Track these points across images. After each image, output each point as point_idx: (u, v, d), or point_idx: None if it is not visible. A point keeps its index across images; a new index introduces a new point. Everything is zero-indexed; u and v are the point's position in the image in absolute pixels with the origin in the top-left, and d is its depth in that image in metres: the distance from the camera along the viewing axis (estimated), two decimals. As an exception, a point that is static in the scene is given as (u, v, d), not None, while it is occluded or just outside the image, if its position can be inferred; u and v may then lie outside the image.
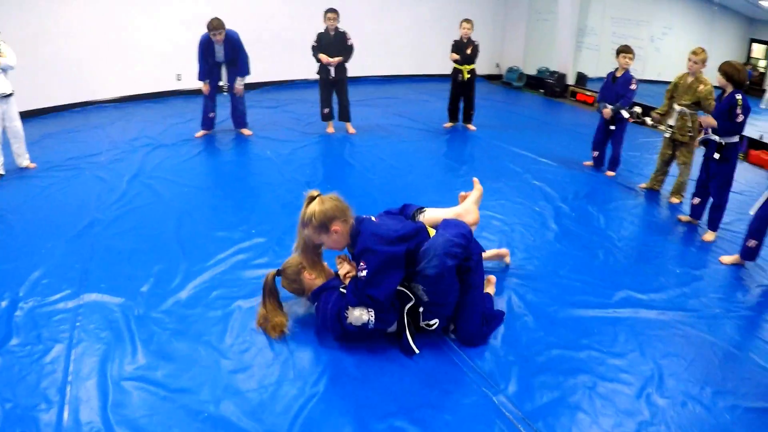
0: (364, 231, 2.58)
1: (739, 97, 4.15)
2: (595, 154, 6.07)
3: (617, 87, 5.70)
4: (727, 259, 4.02)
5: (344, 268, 2.78)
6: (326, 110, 6.58)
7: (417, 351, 2.68)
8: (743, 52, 13.32)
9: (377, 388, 2.47)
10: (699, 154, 4.74)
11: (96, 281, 3.18)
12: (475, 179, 3.12)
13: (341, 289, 2.69)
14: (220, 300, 3.08)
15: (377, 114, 7.60)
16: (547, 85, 10.74)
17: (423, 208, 2.95)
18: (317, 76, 6.42)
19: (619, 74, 5.69)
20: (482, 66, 10.85)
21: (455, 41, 7.16)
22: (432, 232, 2.71)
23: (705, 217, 4.49)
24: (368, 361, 2.63)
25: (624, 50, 5.65)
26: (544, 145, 6.68)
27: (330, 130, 6.61)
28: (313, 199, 2.61)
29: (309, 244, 2.70)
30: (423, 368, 2.62)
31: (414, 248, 2.56)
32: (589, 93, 10.47)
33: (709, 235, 4.41)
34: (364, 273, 2.49)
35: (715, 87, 4.62)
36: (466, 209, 2.94)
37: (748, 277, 3.76)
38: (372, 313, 2.54)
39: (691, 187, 4.85)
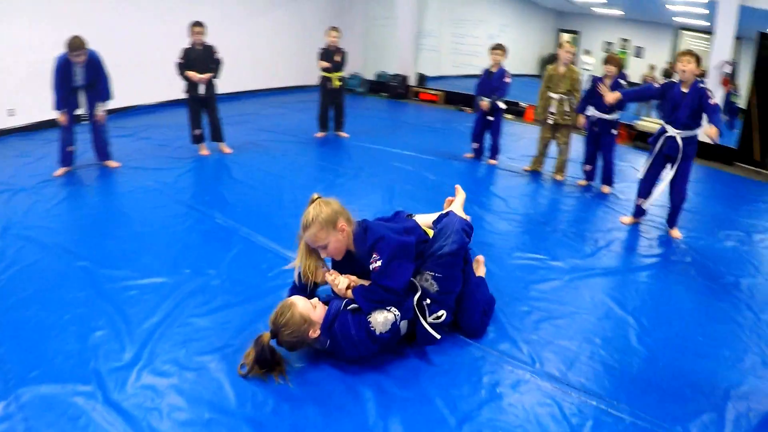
0: (372, 226, 2.60)
1: (622, 81, 5.01)
2: (475, 145, 6.50)
3: (492, 81, 6.11)
4: (626, 219, 4.80)
5: (342, 282, 2.61)
6: (197, 131, 5.99)
7: (438, 336, 2.67)
8: (554, 41, 15.27)
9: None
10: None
11: (24, 370, 2.43)
12: (457, 186, 3.26)
13: (349, 308, 2.52)
14: (192, 357, 2.61)
15: (245, 131, 7.21)
16: (390, 88, 11.08)
17: (411, 214, 3.05)
18: (172, 96, 5.90)
19: (494, 69, 6.11)
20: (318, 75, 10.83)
21: (323, 49, 7.03)
22: (429, 231, 2.81)
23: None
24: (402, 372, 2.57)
25: (495, 48, 6.12)
26: (418, 143, 7.07)
27: (204, 152, 6.02)
28: (314, 201, 2.59)
29: (309, 251, 2.63)
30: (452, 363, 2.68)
31: (417, 242, 2.66)
32: (432, 92, 11.01)
33: (606, 189, 5.66)
34: (378, 264, 2.47)
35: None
36: (455, 212, 2.97)
37: (645, 230, 4.77)
38: (394, 309, 2.49)
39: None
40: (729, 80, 7.46)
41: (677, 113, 4.33)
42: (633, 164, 6.93)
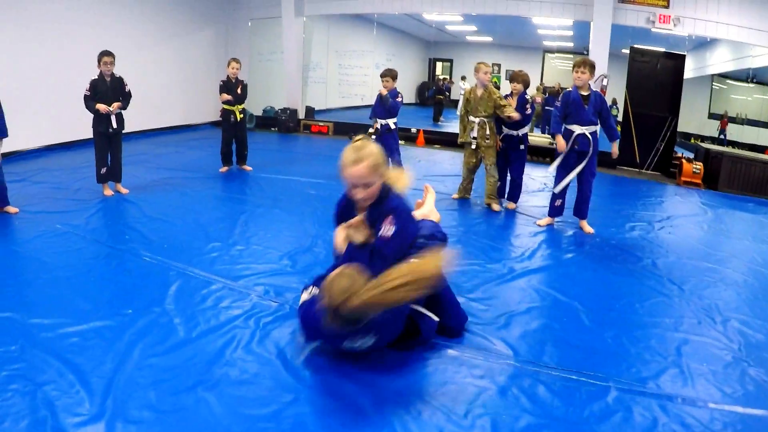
0: (392, 194, 2.58)
1: (527, 96, 5.45)
2: None
3: (385, 103, 6.25)
4: (542, 221, 5.09)
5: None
6: (104, 170, 5.56)
7: (437, 318, 2.74)
8: (427, 70, 16.04)
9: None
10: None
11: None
12: (426, 185, 3.29)
13: None
14: (166, 399, 2.38)
15: (144, 170, 6.80)
16: (280, 122, 11.06)
17: None
18: (57, 140, 5.42)
19: (384, 93, 6.24)
20: (208, 112, 10.64)
21: (223, 81, 6.90)
22: None
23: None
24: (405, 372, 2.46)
25: (385, 74, 6.32)
26: (324, 171, 7.27)
27: (108, 192, 5.58)
28: (360, 139, 2.53)
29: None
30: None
31: None
32: (321, 123, 11.14)
33: (511, 205, 5.80)
34: (390, 232, 2.46)
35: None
36: (431, 210, 3.02)
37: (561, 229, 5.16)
38: None
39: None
40: (605, 92, 8.32)
41: (582, 114, 4.83)
42: (529, 175, 7.40)
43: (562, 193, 5.10)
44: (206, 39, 10.89)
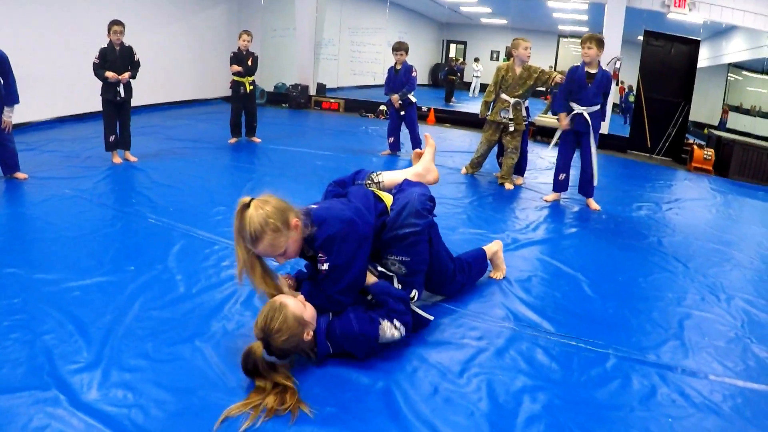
0: (319, 217, 2.24)
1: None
2: (391, 140, 6.69)
3: (400, 77, 6.27)
4: (548, 197, 5.16)
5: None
6: (112, 138, 5.57)
7: (431, 317, 2.61)
8: (441, 51, 15.90)
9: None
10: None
11: None
12: (427, 135, 2.92)
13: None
14: (162, 348, 2.39)
15: (153, 141, 6.80)
16: (291, 98, 11.03)
17: (379, 172, 2.72)
18: (69, 111, 5.43)
19: (398, 67, 6.27)
20: (219, 87, 10.62)
21: (234, 53, 6.89)
22: (386, 197, 2.56)
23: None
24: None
25: (397, 48, 6.31)
26: (333, 144, 7.24)
27: (117, 160, 5.59)
28: (247, 206, 2.11)
29: (257, 265, 2.20)
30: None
31: (377, 223, 2.40)
32: (333, 100, 11.10)
33: (519, 180, 5.78)
34: (325, 267, 2.21)
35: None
36: (426, 167, 2.77)
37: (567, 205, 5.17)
38: (401, 327, 2.29)
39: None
40: (618, 74, 8.22)
41: (583, 93, 4.77)
42: (538, 155, 7.41)
43: (566, 168, 5.06)
44: (218, 15, 10.83)
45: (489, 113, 5.57)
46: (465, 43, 16.28)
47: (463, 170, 6.06)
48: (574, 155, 5.11)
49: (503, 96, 5.42)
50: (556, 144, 5.11)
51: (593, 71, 4.75)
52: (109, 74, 5.28)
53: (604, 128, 8.59)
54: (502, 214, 4.75)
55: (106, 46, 5.36)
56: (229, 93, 7.24)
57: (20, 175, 4.82)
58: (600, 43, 4.67)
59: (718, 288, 3.43)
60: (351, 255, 2.23)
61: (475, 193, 5.38)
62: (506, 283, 3.23)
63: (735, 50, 9.57)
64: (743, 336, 2.83)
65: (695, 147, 7.67)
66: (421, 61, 15.45)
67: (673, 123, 8.04)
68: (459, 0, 12.68)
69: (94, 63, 5.31)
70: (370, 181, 2.67)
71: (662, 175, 7.20)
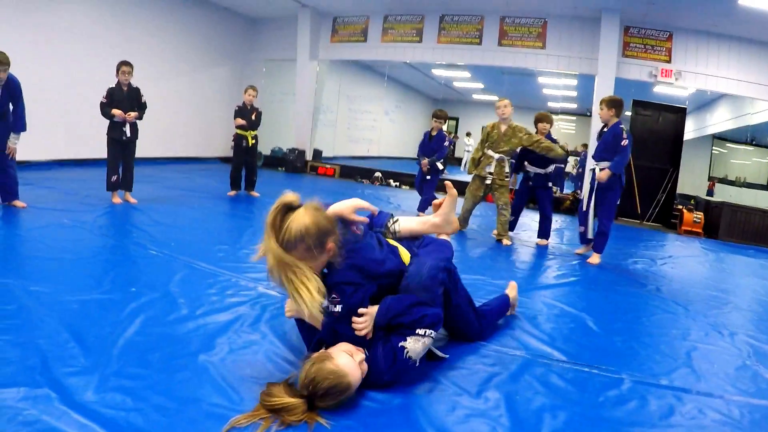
0: (345, 259, 2.13)
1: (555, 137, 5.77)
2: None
3: (433, 144, 6.47)
4: (580, 250, 5.40)
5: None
6: (114, 177, 5.60)
7: (446, 356, 2.53)
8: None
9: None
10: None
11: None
12: (448, 183, 2.71)
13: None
14: (168, 361, 2.33)
15: (153, 188, 6.86)
16: (288, 162, 11.22)
17: (396, 218, 2.61)
18: (67, 155, 5.44)
19: (434, 133, 6.51)
20: (218, 147, 10.85)
21: (239, 107, 7.09)
22: (404, 253, 2.44)
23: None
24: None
25: (437, 115, 6.53)
26: (332, 201, 7.02)
27: (117, 200, 5.60)
28: (292, 208, 2.02)
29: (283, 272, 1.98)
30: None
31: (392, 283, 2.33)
32: (329, 166, 11.31)
33: (543, 242, 5.80)
34: (338, 309, 2.11)
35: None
36: (446, 219, 2.66)
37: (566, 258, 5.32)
38: (428, 332, 2.21)
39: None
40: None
41: (595, 148, 5.07)
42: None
43: (583, 221, 5.27)
44: (222, 76, 11.23)
45: (476, 170, 5.77)
46: (457, 119, 16.92)
47: (507, 241, 5.79)
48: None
49: (488, 152, 5.65)
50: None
51: (605, 130, 5.02)
52: (116, 111, 5.39)
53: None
54: (502, 263, 4.80)
55: (113, 86, 5.51)
56: (227, 153, 7.45)
57: (19, 203, 4.80)
58: (610, 104, 4.94)
59: (720, 326, 3.44)
60: (361, 301, 2.16)
61: (473, 248, 5.40)
62: (514, 318, 3.21)
63: (719, 120, 10.05)
64: (751, 364, 2.82)
65: (685, 210, 7.86)
66: (415, 135, 15.96)
67: (662, 189, 8.27)
68: (453, 75, 13.23)
69: (101, 102, 5.43)
70: (386, 230, 2.56)
71: (654, 237, 7.34)
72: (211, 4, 10.65)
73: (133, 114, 5.52)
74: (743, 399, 2.37)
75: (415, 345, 2.16)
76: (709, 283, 4.77)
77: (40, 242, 3.84)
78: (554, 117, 6.02)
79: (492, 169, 5.61)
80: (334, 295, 2.10)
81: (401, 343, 2.16)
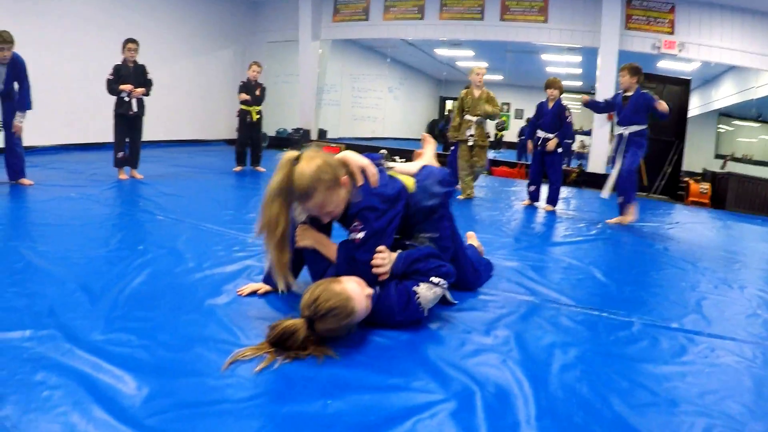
0: (357, 194, 2.17)
1: (565, 103, 5.71)
2: (532, 188, 6.64)
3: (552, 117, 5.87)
4: (612, 220, 5.29)
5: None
6: (121, 154, 5.61)
7: (455, 302, 2.53)
8: (437, 107, 16.37)
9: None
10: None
11: None
12: (425, 135, 3.02)
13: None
14: (176, 305, 2.36)
15: (158, 166, 6.80)
16: (293, 142, 11.19)
17: (387, 162, 2.62)
18: (69, 140, 5.55)
19: (550, 105, 5.88)
20: (222, 129, 10.82)
21: (243, 83, 7.08)
22: (407, 179, 2.50)
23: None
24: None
25: (550, 85, 5.86)
26: None
27: (123, 176, 5.61)
28: (297, 159, 2.03)
29: (281, 227, 2.03)
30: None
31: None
32: (333, 145, 11.28)
33: (549, 207, 5.82)
34: (360, 235, 2.11)
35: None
36: (429, 161, 2.81)
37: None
38: (441, 282, 2.22)
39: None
40: (613, 114, 8.45)
41: (622, 114, 5.11)
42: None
43: (623, 190, 5.23)
44: (224, 58, 11.18)
45: (458, 134, 6.11)
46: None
47: (460, 197, 6.11)
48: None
49: (467, 117, 6.02)
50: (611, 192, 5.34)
51: (629, 95, 5.08)
52: (125, 86, 5.39)
53: (601, 167, 8.78)
54: (507, 225, 4.75)
55: (120, 63, 5.51)
56: (232, 135, 7.42)
57: (26, 181, 4.81)
58: (632, 71, 5.08)
59: (729, 280, 3.41)
60: (385, 227, 2.18)
61: (483, 210, 5.43)
62: (519, 269, 3.21)
63: (724, 95, 9.96)
64: (762, 313, 2.80)
65: (691, 182, 7.82)
66: (420, 116, 15.92)
67: (668, 161, 8.23)
68: (456, 54, 13.15)
69: (108, 79, 5.42)
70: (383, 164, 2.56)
71: (661, 207, 7.29)
72: (213, -14, 10.60)
73: (139, 90, 5.51)
74: (755, 341, 2.36)
75: (427, 293, 2.17)
76: (717, 245, 4.74)
77: (48, 212, 3.86)
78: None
79: (473, 131, 5.99)
80: (356, 223, 2.13)
81: (414, 288, 2.17)
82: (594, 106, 5.61)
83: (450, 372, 1.83)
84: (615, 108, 5.27)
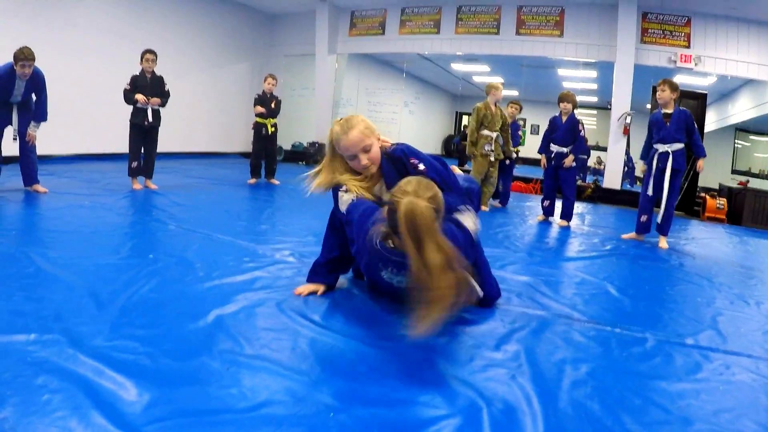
0: (392, 147, 2.51)
1: (579, 118, 5.64)
2: (547, 203, 6.53)
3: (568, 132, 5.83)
4: (626, 235, 5.22)
5: None
6: (135, 164, 5.67)
7: (481, 292, 2.54)
8: (453, 123, 16.37)
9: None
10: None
11: None
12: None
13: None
14: (185, 314, 2.35)
15: (173, 177, 6.87)
16: (308, 156, 11.25)
17: None
18: (86, 150, 5.73)
19: (564, 119, 5.83)
20: (238, 142, 10.90)
21: (258, 95, 7.14)
22: None
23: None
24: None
25: (562, 99, 5.80)
26: None
27: (137, 186, 5.66)
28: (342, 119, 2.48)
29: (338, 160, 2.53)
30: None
31: None
32: (347, 159, 11.26)
33: (563, 222, 5.74)
34: (422, 166, 2.38)
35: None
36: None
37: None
38: (470, 208, 2.46)
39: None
40: (628, 129, 8.39)
41: (662, 132, 4.87)
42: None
43: (648, 209, 5.06)
44: (242, 72, 11.32)
45: (475, 149, 6.17)
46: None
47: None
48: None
49: (485, 132, 6.09)
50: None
51: (670, 111, 4.87)
52: (139, 97, 5.46)
53: (616, 183, 8.69)
54: (522, 239, 4.72)
55: (137, 73, 5.58)
56: (248, 148, 7.47)
57: (40, 188, 4.89)
58: (672, 87, 4.85)
59: (746, 296, 3.34)
60: (428, 158, 2.48)
61: (499, 225, 5.36)
62: (532, 284, 3.16)
63: (741, 110, 9.82)
64: (779, 330, 2.73)
65: (707, 197, 7.70)
66: (436, 133, 15.94)
67: (684, 177, 8.10)
68: (472, 69, 13.16)
69: (125, 89, 5.51)
70: None
71: (677, 223, 7.17)
72: (230, 1, 10.75)
73: (155, 99, 5.58)
74: (773, 357, 2.30)
75: (468, 222, 2.33)
76: (733, 260, 4.65)
77: (60, 219, 3.90)
78: (575, 111, 5.83)
79: (492, 146, 6.12)
80: (412, 160, 2.40)
81: (460, 219, 2.31)
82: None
83: (457, 387, 1.79)
84: (654, 127, 4.97)
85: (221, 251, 3.32)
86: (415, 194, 1.95)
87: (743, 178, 9.44)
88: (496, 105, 6.16)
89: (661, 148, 4.88)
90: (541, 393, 1.79)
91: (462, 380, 1.85)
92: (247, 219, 4.53)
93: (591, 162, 11.99)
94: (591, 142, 11.83)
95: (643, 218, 5.03)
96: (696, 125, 4.92)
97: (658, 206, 4.96)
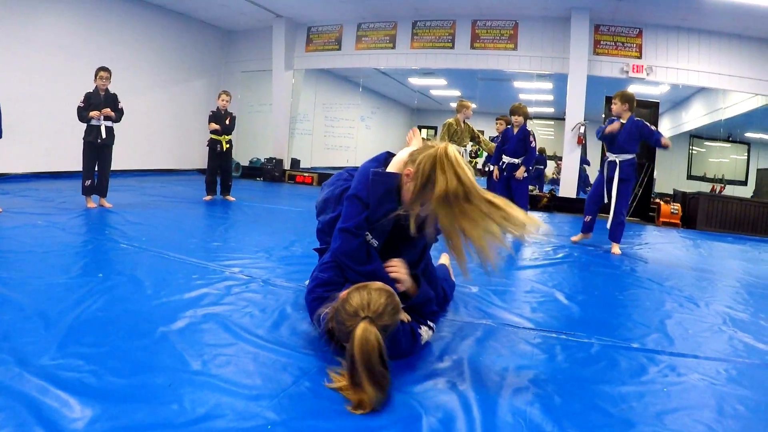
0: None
1: (530, 129, 5.84)
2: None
3: (516, 143, 6.03)
4: (575, 237, 5.43)
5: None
6: (88, 182, 5.53)
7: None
8: (412, 136, 16.46)
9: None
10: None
11: None
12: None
13: None
14: (131, 333, 2.25)
15: (128, 195, 6.73)
16: (266, 171, 11.17)
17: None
18: (40, 168, 5.45)
19: (514, 131, 6.04)
20: (196, 159, 10.78)
21: (213, 112, 7.07)
22: None
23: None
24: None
25: (513, 111, 6.06)
26: (307, 204, 7.33)
27: (91, 204, 5.52)
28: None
29: None
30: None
31: None
32: (306, 174, 11.28)
33: None
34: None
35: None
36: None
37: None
38: (431, 324, 2.34)
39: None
40: (583, 139, 8.58)
41: (613, 142, 5.00)
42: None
43: (590, 210, 5.28)
44: (199, 88, 11.20)
45: None
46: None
47: None
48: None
49: (456, 147, 6.05)
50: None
51: (623, 121, 4.99)
52: (93, 113, 5.38)
53: (572, 191, 8.85)
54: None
55: (91, 91, 5.48)
56: (205, 165, 7.33)
57: None
58: (624, 98, 4.99)
59: (696, 298, 3.44)
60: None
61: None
62: (481, 294, 3.17)
63: (694, 117, 10.16)
64: (727, 329, 2.81)
65: (662, 203, 7.91)
66: (393, 147, 15.95)
67: (638, 183, 8.32)
68: (429, 83, 13.29)
69: (78, 106, 5.41)
70: None
71: (631, 229, 7.34)
72: (187, 17, 10.65)
73: (107, 110, 5.48)
74: (719, 358, 2.35)
75: (425, 335, 2.24)
76: (685, 263, 4.78)
77: (13, 240, 3.79)
78: (530, 122, 6.07)
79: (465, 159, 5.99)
80: None
81: (418, 329, 2.19)
82: (601, 137, 5.29)
83: (397, 396, 1.79)
84: (607, 137, 5.10)
85: (171, 269, 3.27)
86: (372, 318, 1.80)
87: (706, 185, 9.76)
88: (465, 122, 6.39)
89: (611, 157, 5.06)
90: (481, 401, 1.80)
91: (402, 390, 1.85)
92: (199, 236, 4.45)
93: (550, 172, 12.21)
94: (549, 153, 12.06)
95: (587, 218, 5.28)
96: (653, 128, 5.02)
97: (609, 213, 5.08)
